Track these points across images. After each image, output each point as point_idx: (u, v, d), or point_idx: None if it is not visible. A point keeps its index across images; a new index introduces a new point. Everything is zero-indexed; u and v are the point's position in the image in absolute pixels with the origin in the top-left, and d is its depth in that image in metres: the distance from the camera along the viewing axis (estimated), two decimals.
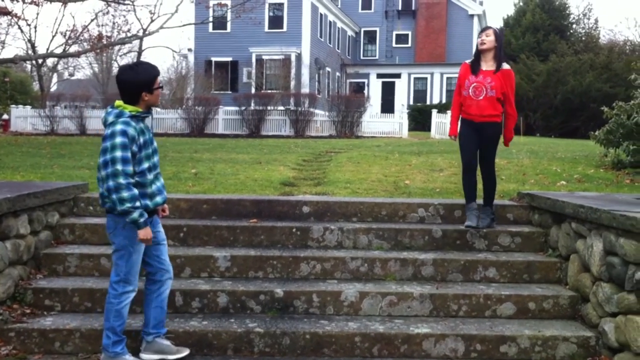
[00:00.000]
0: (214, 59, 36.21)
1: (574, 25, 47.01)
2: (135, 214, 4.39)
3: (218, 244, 6.24)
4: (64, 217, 6.44)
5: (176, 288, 5.47)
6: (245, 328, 5.10)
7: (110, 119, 4.48)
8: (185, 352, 4.90)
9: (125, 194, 4.35)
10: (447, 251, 6.27)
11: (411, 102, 41.56)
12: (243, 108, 29.62)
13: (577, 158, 13.91)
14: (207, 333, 5.04)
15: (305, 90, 33.59)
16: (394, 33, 45.73)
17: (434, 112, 30.14)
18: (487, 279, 5.94)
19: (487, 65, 6.37)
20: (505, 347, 5.10)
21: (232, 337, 5.05)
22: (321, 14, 38.36)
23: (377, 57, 45.89)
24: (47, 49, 37.75)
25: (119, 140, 4.36)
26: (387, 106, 40.11)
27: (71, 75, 55.20)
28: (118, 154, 4.34)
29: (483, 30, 6.47)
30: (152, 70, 4.61)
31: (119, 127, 4.39)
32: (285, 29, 35.93)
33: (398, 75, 42.77)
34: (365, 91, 41.03)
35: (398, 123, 29.79)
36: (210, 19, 30.27)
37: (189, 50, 37.72)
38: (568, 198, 6.10)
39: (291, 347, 5.05)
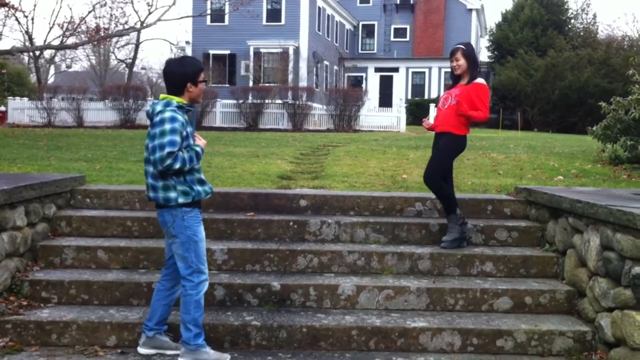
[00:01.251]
0: (211, 51, 36.13)
1: (572, 21, 46.94)
2: (196, 161, 4.58)
3: (215, 237, 6.24)
4: (60, 209, 6.43)
5: None
6: (242, 321, 5.11)
7: (159, 108, 4.54)
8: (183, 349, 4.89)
9: (177, 166, 4.43)
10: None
11: (409, 96, 41.56)
12: (241, 101, 29.61)
13: (574, 153, 13.93)
14: (204, 326, 5.01)
15: (303, 83, 33.56)
16: (392, 27, 45.65)
17: (432, 106, 30.14)
18: (484, 274, 5.95)
19: (462, 81, 6.25)
20: (502, 341, 5.11)
21: (228, 330, 5.05)
22: (319, 7, 38.28)
23: (375, 51, 45.83)
24: (45, 41, 37.67)
25: (168, 126, 4.42)
26: (385, 100, 40.11)
27: (68, 67, 55.12)
28: (166, 139, 4.40)
29: (451, 53, 6.25)
30: (198, 64, 4.78)
31: (167, 114, 4.47)
32: (283, 22, 35.85)
33: (396, 69, 42.77)
34: (363, 85, 41.06)
35: (396, 117, 29.79)
36: (208, 11, 30.24)
37: (187, 43, 37.64)
38: (565, 193, 6.10)
39: (288, 340, 5.06)
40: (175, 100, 4.58)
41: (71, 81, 41.63)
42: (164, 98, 4.61)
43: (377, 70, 43.10)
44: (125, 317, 5.13)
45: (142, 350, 4.85)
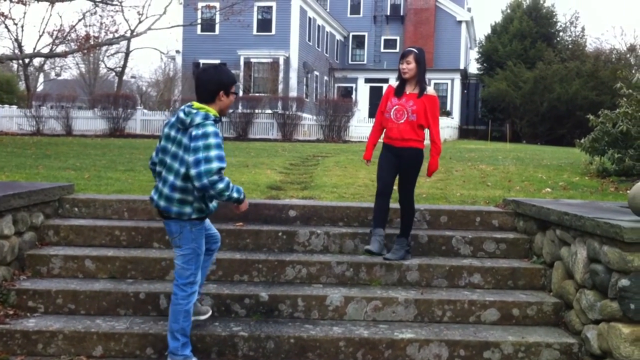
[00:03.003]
0: (202, 61, 36.10)
1: (561, 33, 47.32)
2: (235, 195, 4.52)
3: None
4: (48, 218, 6.40)
5: (160, 291, 5.46)
6: (230, 332, 5.09)
7: (198, 119, 4.45)
8: (209, 312, 5.21)
9: (221, 185, 4.38)
10: (433, 257, 6.29)
11: None
12: (230, 111, 29.59)
13: (562, 165, 14.01)
14: (191, 336, 5.00)
15: (293, 93, 33.63)
16: (382, 38, 45.89)
17: None
18: (472, 285, 5.96)
19: (411, 89, 6.05)
20: (489, 352, 5.11)
21: (216, 340, 5.04)
22: (310, 18, 38.40)
23: (365, 62, 45.99)
24: (34, 49, 37.50)
25: (213, 140, 4.38)
26: (375, 111, 40.09)
27: (58, 75, 54.87)
28: (212, 153, 4.36)
29: (403, 55, 6.07)
30: (232, 75, 4.75)
31: (211, 128, 4.42)
32: (273, 32, 35.93)
33: (386, 80, 42.68)
34: (353, 96, 41.11)
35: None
36: (199, 21, 30.23)
37: (177, 52, 37.65)
38: (553, 205, 6.13)
39: (275, 351, 5.05)
40: (212, 113, 4.52)
41: (60, 89, 41.53)
42: (200, 108, 4.53)
43: (367, 81, 43.17)
44: (112, 327, 5.11)
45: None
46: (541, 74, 38.02)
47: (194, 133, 4.40)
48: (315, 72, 39.66)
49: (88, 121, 30.29)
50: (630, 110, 11.32)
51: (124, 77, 45.90)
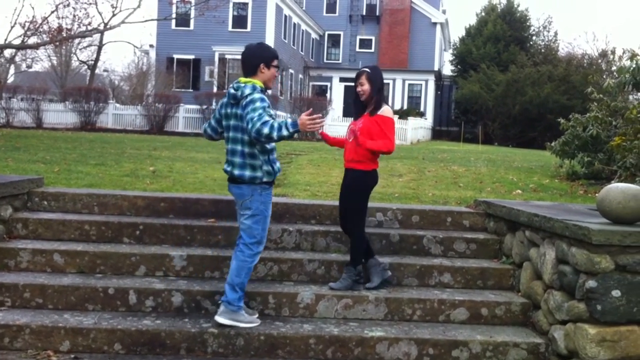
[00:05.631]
0: (176, 56, 35.91)
1: (534, 37, 47.79)
2: (285, 133, 4.77)
3: (174, 243, 6.18)
4: (17, 212, 6.31)
5: (130, 286, 5.42)
6: (200, 328, 5.07)
7: (247, 91, 4.95)
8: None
9: (267, 130, 4.76)
10: (404, 256, 6.32)
11: None
12: (204, 107, 29.47)
13: (533, 168, 14.16)
14: (160, 332, 4.99)
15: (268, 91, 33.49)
16: (358, 38, 45.96)
17: (395, 117, 30.29)
18: (442, 284, 6.00)
19: (368, 108, 5.67)
20: (457, 351, 5.15)
21: (185, 337, 5.01)
22: (286, 16, 38.34)
23: (340, 61, 46.02)
24: (5, 40, 36.95)
25: (259, 104, 4.87)
26: (349, 110, 40.16)
27: (29, 67, 54.07)
28: (258, 112, 4.83)
29: (357, 77, 5.72)
30: (273, 50, 5.26)
31: (257, 95, 4.93)
32: (249, 28, 35.79)
33: None
34: (328, 94, 41.15)
35: None
36: (174, 15, 29.99)
37: (151, 46, 37.32)
38: (523, 207, 6.19)
39: (245, 348, 5.03)
40: (258, 84, 5.02)
41: (31, 81, 40.88)
42: (246, 81, 5.03)
43: (341, 80, 43.14)
44: (79, 322, 5.05)
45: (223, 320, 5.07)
46: (514, 77, 38.40)
47: (244, 104, 4.92)
48: (290, 70, 39.61)
49: (59, 114, 29.93)
50: (600, 114, 11.49)
51: (97, 71, 45.42)
